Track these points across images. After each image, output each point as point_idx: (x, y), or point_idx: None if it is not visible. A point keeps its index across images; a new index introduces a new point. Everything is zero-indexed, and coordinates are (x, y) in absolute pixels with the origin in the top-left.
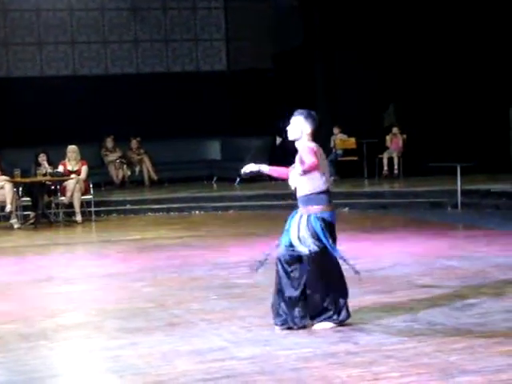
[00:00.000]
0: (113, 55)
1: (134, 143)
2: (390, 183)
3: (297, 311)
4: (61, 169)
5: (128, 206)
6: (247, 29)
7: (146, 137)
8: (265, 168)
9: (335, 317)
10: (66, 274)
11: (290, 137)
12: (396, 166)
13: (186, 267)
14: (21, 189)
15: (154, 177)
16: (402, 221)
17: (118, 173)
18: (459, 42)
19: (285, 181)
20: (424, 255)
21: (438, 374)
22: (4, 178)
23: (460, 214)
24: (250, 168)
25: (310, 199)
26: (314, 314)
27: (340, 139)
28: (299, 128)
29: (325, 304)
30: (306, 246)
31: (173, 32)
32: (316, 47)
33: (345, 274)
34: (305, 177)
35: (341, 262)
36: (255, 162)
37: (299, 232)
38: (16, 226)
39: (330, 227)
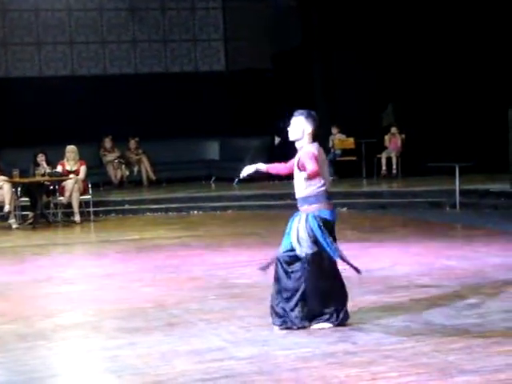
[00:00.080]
0: (111, 55)
1: (132, 143)
2: (388, 183)
3: (296, 312)
4: (59, 169)
5: (126, 206)
6: (246, 29)
7: (144, 137)
8: (262, 166)
9: (334, 319)
10: (65, 274)
11: (292, 137)
12: (394, 166)
13: (185, 267)
14: (19, 189)
15: (153, 177)
16: (401, 221)
17: (116, 173)
18: (458, 42)
19: (283, 177)
20: (423, 255)
21: (437, 373)
22: (2, 178)
23: (458, 214)
24: (247, 171)
25: (308, 199)
26: (313, 315)
27: (338, 139)
28: (300, 128)
29: (324, 305)
30: (304, 248)
31: (171, 32)
32: (314, 47)
33: (344, 274)
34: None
35: (341, 261)
36: (254, 163)
37: (298, 233)
38: (14, 226)
39: (329, 226)
